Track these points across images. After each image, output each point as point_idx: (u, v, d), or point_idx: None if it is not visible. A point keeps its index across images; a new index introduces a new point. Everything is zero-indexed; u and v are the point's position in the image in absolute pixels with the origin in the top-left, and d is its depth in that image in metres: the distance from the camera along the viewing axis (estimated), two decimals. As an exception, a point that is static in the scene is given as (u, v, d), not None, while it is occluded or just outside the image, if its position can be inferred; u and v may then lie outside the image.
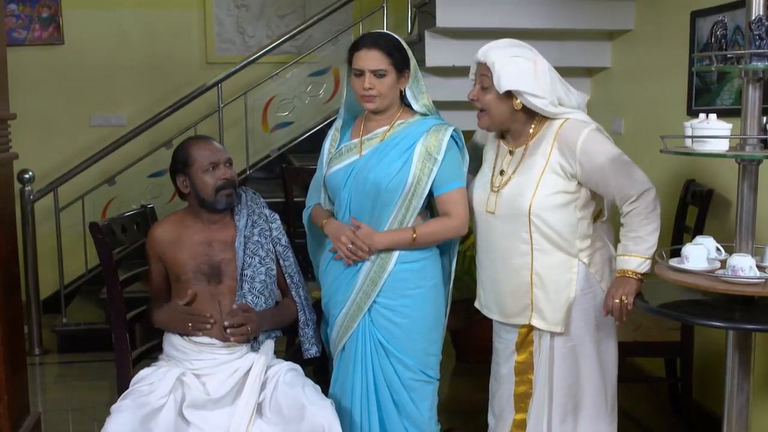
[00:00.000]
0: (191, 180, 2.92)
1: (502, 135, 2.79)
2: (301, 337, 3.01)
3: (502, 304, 2.78)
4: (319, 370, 3.20)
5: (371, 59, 2.73)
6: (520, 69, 2.59)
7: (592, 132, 2.61)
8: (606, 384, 2.78)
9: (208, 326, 2.82)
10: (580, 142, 2.59)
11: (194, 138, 3.07)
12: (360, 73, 2.75)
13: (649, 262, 2.60)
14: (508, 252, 2.72)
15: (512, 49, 2.65)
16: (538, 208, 2.62)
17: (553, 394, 2.72)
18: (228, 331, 2.78)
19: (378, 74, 2.74)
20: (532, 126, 2.68)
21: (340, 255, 2.81)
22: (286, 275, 3.02)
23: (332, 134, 2.97)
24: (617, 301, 2.55)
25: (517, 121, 2.68)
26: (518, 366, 2.79)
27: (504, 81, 2.58)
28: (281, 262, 3.01)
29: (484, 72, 2.64)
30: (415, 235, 2.76)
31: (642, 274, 2.59)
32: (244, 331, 2.79)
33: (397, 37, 2.82)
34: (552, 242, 2.65)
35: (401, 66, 2.77)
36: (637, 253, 2.58)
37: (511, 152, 2.73)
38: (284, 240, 3.03)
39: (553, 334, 2.70)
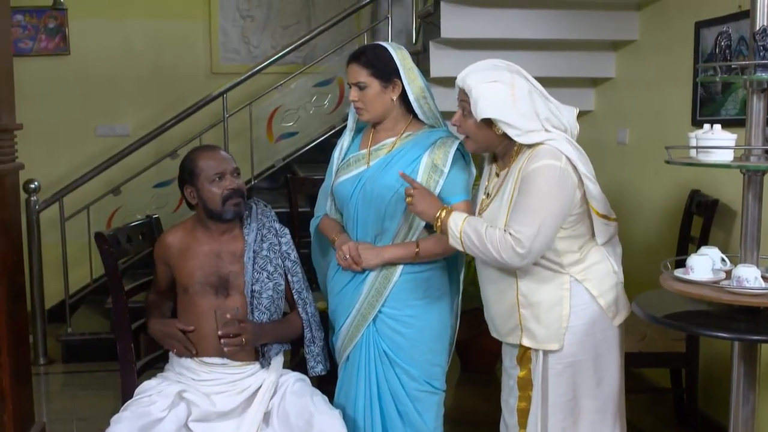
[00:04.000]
0: (198, 191, 2.89)
1: (494, 157, 2.77)
2: (307, 354, 2.98)
3: (496, 324, 2.76)
4: (324, 380, 3.20)
5: (351, 72, 2.80)
6: (496, 95, 2.51)
7: (549, 167, 2.50)
8: (607, 401, 2.71)
9: (192, 353, 2.84)
10: (531, 167, 2.51)
11: (201, 148, 3.05)
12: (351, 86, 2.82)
13: (454, 242, 2.54)
14: (494, 274, 2.69)
15: (490, 73, 2.56)
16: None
17: (548, 411, 2.69)
18: (222, 341, 2.74)
19: (359, 87, 2.79)
20: (515, 148, 2.62)
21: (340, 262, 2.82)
22: (294, 291, 2.99)
23: (341, 144, 2.98)
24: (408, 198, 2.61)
25: (502, 145, 2.63)
26: (520, 381, 2.76)
27: (480, 109, 2.51)
28: (290, 277, 2.98)
29: (464, 98, 2.59)
30: (417, 250, 2.76)
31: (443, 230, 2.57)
32: (238, 341, 2.74)
33: (386, 45, 2.83)
34: (534, 264, 2.61)
35: (386, 76, 2.78)
36: (461, 228, 2.52)
37: (497, 174, 2.70)
38: (293, 255, 3.00)
39: (546, 352, 2.66)
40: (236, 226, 2.96)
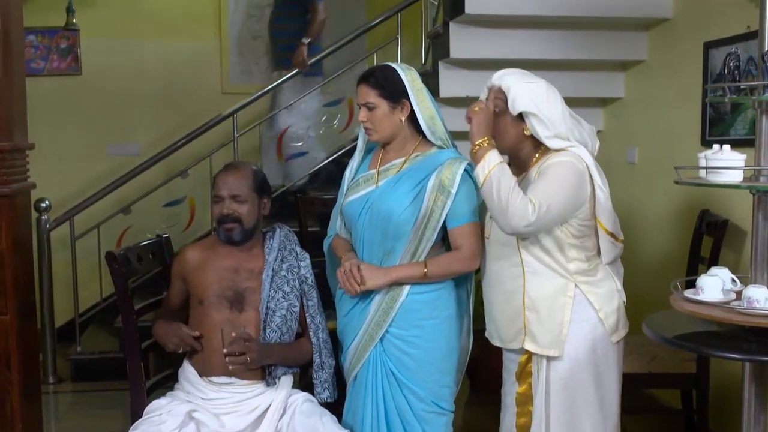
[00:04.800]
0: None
1: (510, 163, 2.79)
2: (314, 380, 2.98)
3: (500, 329, 2.78)
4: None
5: (361, 93, 2.83)
6: (535, 93, 2.62)
7: (567, 162, 2.59)
8: (606, 422, 2.72)
9: (198, 349, 2.84)
10: (549, 161, 2.60)
11: (227, 165, 3.10)
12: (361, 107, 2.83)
13: (481, 174, 2.55)
14: (502, 276, 2.72)
15: (527, 76, 2.70)
16: None
17: (550, 427, 2.68)
18: (227, 359, 2.76)
19: (368, 107, 2.81)
20: (537, 155, 2.68)
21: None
22: (307, 315, 3.00)
23: (352, 164, 3.00)
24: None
25: (525, 148, 2.70)
26: (519, 397, 2.77)
27: (519, 103, 2.61)
28: (305, 300, 3.00)
29: (498, 95, 2.67)
30: (425, 270, 2.76)
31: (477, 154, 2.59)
32: (243, 360, 2.76)
33: (394, 66, 2.85)
34: (543, 263, 2.64)
35: (394, 97, 2.80)
36: (491, 169, 2.54)
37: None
38: (311, 279, 3.02)
39: (549, 364, 2.67)
40: (257, 245, 3.01)
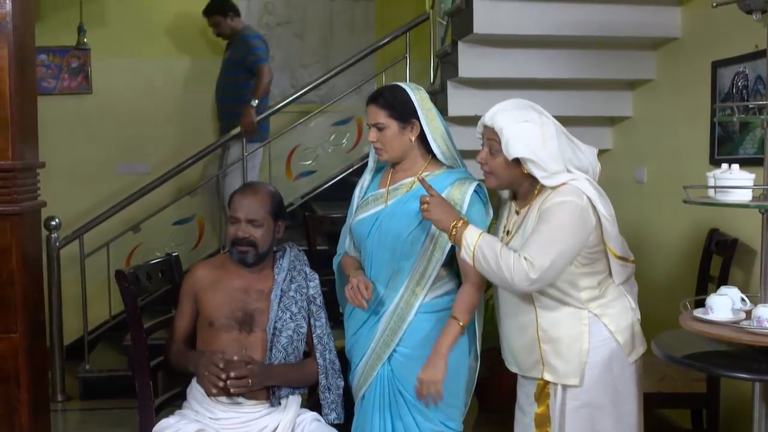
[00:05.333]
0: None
1: (514, 195, 2.79)
2: (322, 401, 2.98)
3: (517, 358, 2.77)
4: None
5: (370, 114, 2.83)
6: (528, 136, 2.54)
7: (570, 203, 2.53)
8: None
9: (218, 385, 2.77)
10: (552, 202, 2.55)
11: (245, 186, 3.13)
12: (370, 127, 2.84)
13: (465, 251, 2.53)
14: (514, 309, 2.71)
15: (519, 112, 2.59)
16: None
17: None
18: (228, 382, 2.76)
19: (378, 127, 2.81)
20: (538, 186, 2.65)
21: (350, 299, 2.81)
22: (314, 336, 3.00)
23: (362, 183, 3.01)
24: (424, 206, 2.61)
25: (525, 183, 2.66)
26: (537, 418, 2.75)
27: (512, 148, 2.54)
28: (312, 321, 3.01)
29: (492, 136, 2.61)
30: (460, 323, 2.74)
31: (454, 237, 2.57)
32: (244, 383, 2.77)
33: (404, 86, 2.85)
34: (553, 298, 2.63)
35: (404, 117, 2.80)
36: (478, 240, 2.52)
37: (517, 212, 2.72)
38: (319, 300, 3.03)
39: (565, 387, 2.65)
40: (267, 266, 3.02)
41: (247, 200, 2.96)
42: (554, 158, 2.56)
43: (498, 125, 2.57)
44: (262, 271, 3.00)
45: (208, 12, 6.04)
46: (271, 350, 2.89)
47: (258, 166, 5.96)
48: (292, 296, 2.97)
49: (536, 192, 2.63)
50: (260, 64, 5.76)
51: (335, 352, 3.04)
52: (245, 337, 2.90)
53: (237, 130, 5.65)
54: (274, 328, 2.91)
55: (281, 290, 2.96)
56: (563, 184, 2.57)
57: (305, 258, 3.11)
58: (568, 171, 2.60)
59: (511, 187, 2.73)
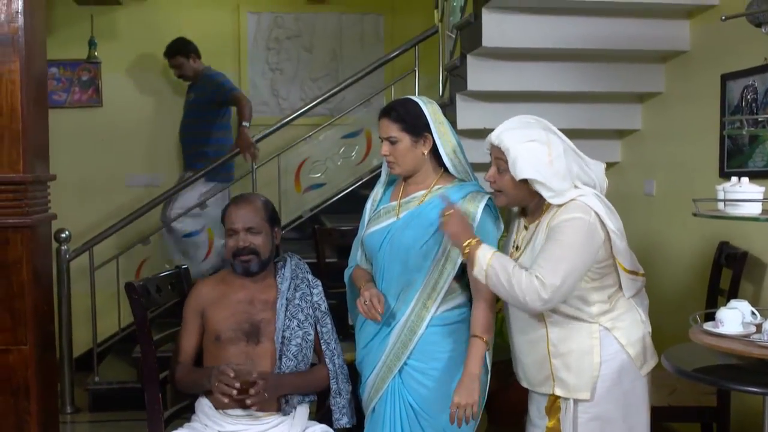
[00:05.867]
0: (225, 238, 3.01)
1: (523, 210, 2.79)
2: (332, 406, 2.99)
3: (527, 374, 2.77)
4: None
5: (383, 127, 2.84)
6: (535, 156, 2.54)
7: (575, 219, 2.53)
8: None
9: (231, 394, 2.75)
10: (560, 218, 2.55)
11: (236, 198, 3.15)
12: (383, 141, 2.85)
13: (477, 270, 2.55)
14: (524, 325, 2.72)
15: (526, 132, 2.59)
16: None
17: None
18: (248, 401, 2.78)
19: (391, 141, 2.82)
20: (546, 203, 2.64)
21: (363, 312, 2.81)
22: (322, 341, 3.02)
23: (374, 195, 3.02)
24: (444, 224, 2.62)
25: (534, 200, 2.67)
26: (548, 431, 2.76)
27: (519, 169, 2.54)
28: (319, 327, 3.02)
29: (499, 155, 2.62)
30: (484, 340, 2.74)
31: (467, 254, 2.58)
32: (261, 398, 2.79)
33: (417, 100, 2.86)
34: (564, 314, 2.63)
35: (416, 130, 2.81)
36: (491, 261, 2.53)
37: (526, 227, 2.73)
38: (324, 306, 3.05)
39: (576, 401, 2.65)
40: (269, 275, 3.04)
41: (242, 210, 2.99)
42: (561, 176, 2.56)
43: (504, 145, 2.57)
44: (264, 281, 3.02)
45: (170, 53, 6.01)
46: (280, 359, 2.90)
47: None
48: (298, 304, 2.98)
49: (545, 208, 2.64)
50: (234, 92, 5.85)
51: (343, 357, 3.05)
52: (252, 349, 2.91)
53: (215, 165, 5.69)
54: (283, 337, 2.92)
55: (286, 299, 2.97)
56: (571, 200, 2.57)
57: (306, 266, 3.14)
58: (576, 187, 2.60)
59: (520, 205, 2.74)
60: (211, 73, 6.01)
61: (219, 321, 2.94)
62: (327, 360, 3.00)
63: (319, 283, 3.08)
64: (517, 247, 2.72)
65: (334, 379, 2.99)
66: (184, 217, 5.81)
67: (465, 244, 2.58)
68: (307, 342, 2.97)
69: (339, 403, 2.99)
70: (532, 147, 2.55)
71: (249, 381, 2.78)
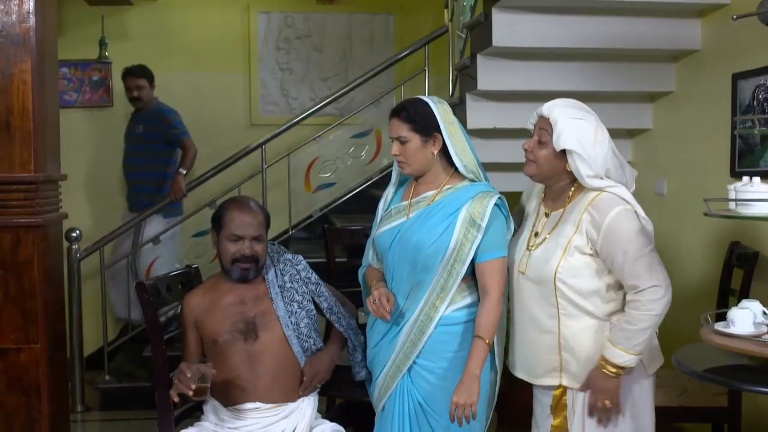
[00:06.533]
0: (218, 241, 3.02)
1: (544, 196, 2.80)
2: (351, 362, 3.08)
3: (531, 365, 2.77)
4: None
5: (393, 127, 2.84)
6: (581, 131, 2.60)
7: (624, 211, 2.58)
8: None
9: (187, 393, 2.67)
10: (608, 218, 2.56)
11: (236, 201, 3.11)
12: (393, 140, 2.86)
13: (634, 358, 2.54)
14: (537, 313, 2.71)
15: (578, 111, 2.66)
16: (564, 274, 2.61)
17: None
18: (301, 391, 2.92)
19: (401, 141, 2.82)
20: (572, 189, 2.67)
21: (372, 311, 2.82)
22: (324, 310, 3.07)
23: (386, 195, 3.02)
24: (600, 404, 2.56)
25: (562, 181, 2.69)
26: (554, 430, 2.75)
27: (563, 139, 2.58)
28: (316, 299, 3.06)
29: (545, 126, 2.65)
30: (486, 341, 2.73)
31: (623, 368, 2.55)
32: (319, 380, 2.96)
33: (427, 100, 2.86)
34: (578, 308, 2.63)
35: (426, 130, 2.81)
36: (621, 346, 2.54)
37: (547, 214, 2.73)
38: (314, 277, 3.09)
39: (584, 397, 2.65)
40: None
41: (249, 217, 2.99)
42: (601, 162, 2.60)
43: (554, 117, 2.62)
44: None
45: (136, 73, 5.94)
46: (300, 344, 2.95)
47: (177, 243, 6.02)
48: (291, 287, 3.01)
49: (569, 195, 2.65)
50: (183, 138, 5.82)
51: (349, 316, 3.13)
52: (253, 344, 2.93)
53: (164, 202, 5.71)
54: (291, 322, 2.94)
55: (278, 286, 2.99)
56: (600, 191, 2.60)
57: (280, 246, 3.16)
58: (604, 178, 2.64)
59: (547, 182, 2.74)
60: (163, 108, 5.97)
61: (213, 327, 2.95)
62: (336, 325, 3.07)
63: (301, 258, 3.11)
64: (536, 234, 2.72)
65: (348, 338, 3.07)
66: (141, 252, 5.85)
67: (612, 373, 2.56)
68: (312, 319, 3.03)
69: (357, 357, 3.07)
70: (581, 124, 2.61)
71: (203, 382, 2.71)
